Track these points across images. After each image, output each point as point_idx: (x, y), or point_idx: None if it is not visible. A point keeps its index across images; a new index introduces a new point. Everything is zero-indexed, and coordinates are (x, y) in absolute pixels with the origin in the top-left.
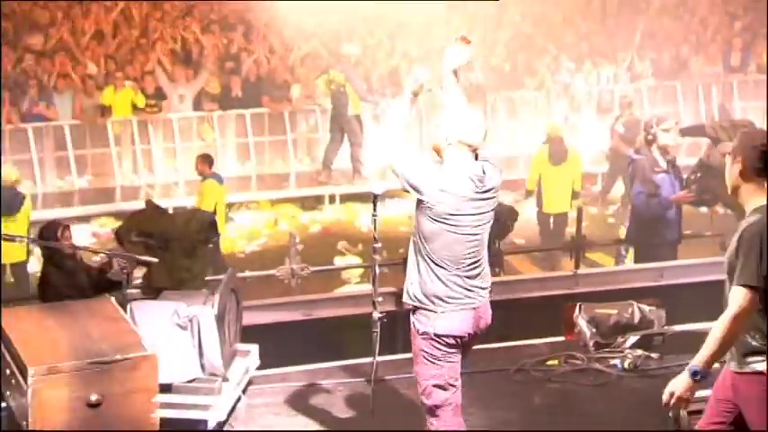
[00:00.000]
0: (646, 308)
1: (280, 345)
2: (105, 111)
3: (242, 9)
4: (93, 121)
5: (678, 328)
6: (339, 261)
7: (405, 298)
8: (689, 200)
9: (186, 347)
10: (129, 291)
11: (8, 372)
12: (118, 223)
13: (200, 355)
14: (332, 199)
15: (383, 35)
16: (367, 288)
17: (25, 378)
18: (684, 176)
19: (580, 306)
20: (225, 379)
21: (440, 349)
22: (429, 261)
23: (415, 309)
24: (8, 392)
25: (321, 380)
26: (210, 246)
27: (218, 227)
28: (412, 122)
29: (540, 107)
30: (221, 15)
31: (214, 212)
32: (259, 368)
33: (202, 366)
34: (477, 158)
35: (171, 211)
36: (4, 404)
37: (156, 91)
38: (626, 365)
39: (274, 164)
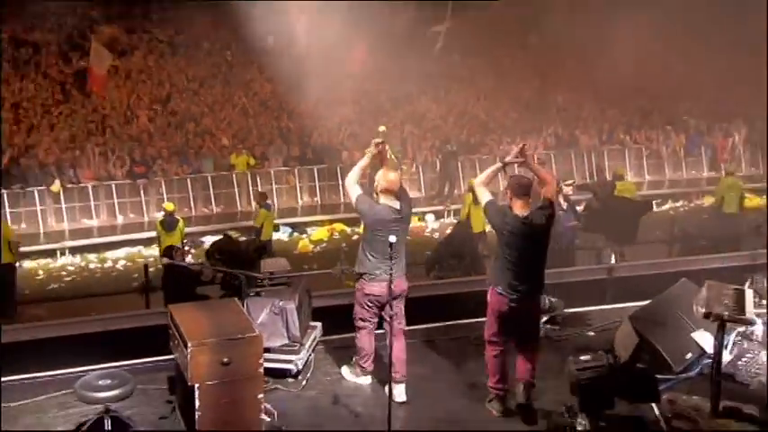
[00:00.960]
0: (553, 299)
1: (337, 321)
2: (231, 167)
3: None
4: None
5: (569, 311)
6: None
7: (357, 268)
8: (578, 228)
9: (279, 326)
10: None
11: (176, 342)
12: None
13: (287, 329)
14: None
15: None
16: None
17: (186, 347)
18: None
19: None
20: (301, 344)
21: (367, 302)
22: (367, 251)
23: (359, 276)
24: (176, 354)
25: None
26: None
27: (267, 234)
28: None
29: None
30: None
31: (262, 237)
32: (323, 336)
33: (289, 337)
34: (397, 197)
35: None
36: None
37: (261, 155)
38: (541, 334)
39: (330, 197)
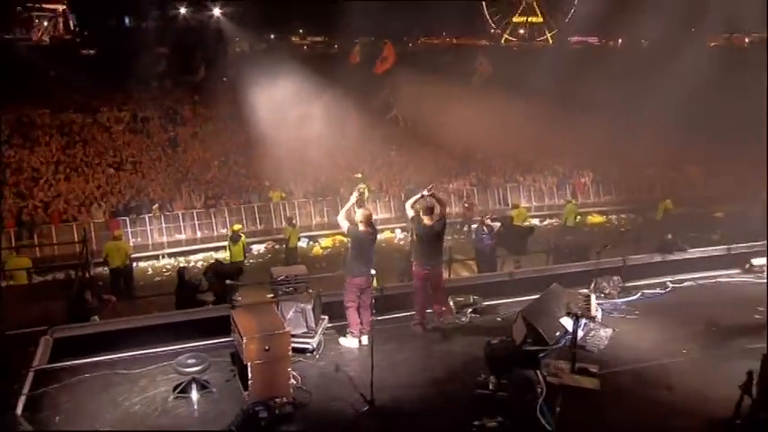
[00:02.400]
0: (475, 296)
1: (337, 312)
2: (269, 199)
3: None
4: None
5: (486, 303)
6: None
7: (344, 270)
8: (494, 245)
9: (301, 320)
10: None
11: (236, 334)
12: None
13: (306, 322)
14: None
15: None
16: None
17: (242, 339)
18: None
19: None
20: (315, 331)
21: (353, 290)
22: (353, 259)
23: (348, 273)
24: (236, 341)
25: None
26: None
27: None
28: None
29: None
30: None
31: (289, 245)
32: (329, 324)
33: (307, 327)
34: (370, 225)
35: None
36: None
37: (289, 191)
38: (466, 319)
39: (332, 218)
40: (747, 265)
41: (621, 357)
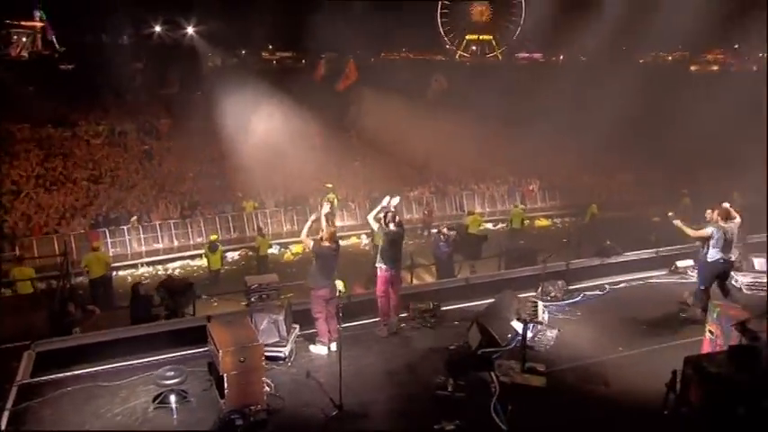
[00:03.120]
0: (435, 302)
1: (307, 320)
2: (242, 209)
3: None
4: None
5: (445, 308)
6: None
7: (310, 282)
8: (451, 252)
9: (273, 330)
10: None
11: (212, 346)
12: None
13: (278, 332)
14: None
15: None
16: None
17: (218, 351)
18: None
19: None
20: (287, 340)
21: (319, 302)
22: (317, 272)
23: (312, 287)
24: (212, 352)
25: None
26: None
27: (264, 251)
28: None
29: None
30: None
31: (259, 254)
32: (300, 332)
33: (279, 336)
34: (333, 241)
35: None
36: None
37: (261, 201)
38: (427, 324)
39: (302, 226)
40: (673, 267)
41: (565, 356)
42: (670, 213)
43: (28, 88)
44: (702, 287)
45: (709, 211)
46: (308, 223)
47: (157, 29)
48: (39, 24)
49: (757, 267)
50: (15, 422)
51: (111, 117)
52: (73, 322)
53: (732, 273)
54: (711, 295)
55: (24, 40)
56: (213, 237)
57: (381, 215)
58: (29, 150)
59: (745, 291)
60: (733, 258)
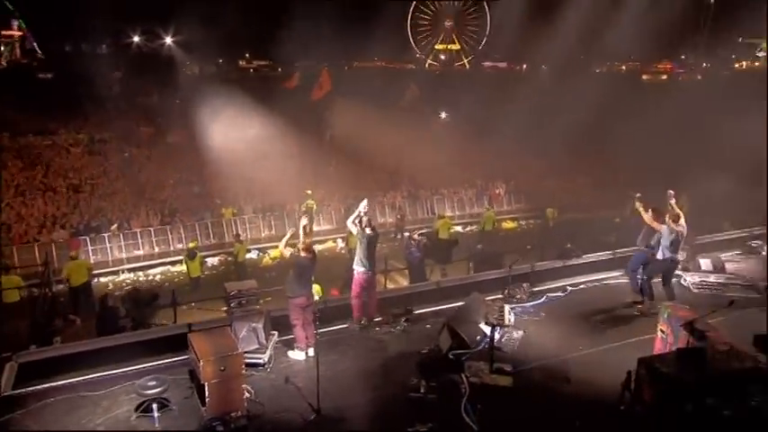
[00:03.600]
0: (409, 307)
1: (285, 326)
2: (221, 216)
3: None
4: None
5: (417, 311)
6: None
7: (288, 291)
8: (422, 257)
9: (253, 338)
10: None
11: (193, 355)
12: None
13: (257, 339)
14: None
15: None
16: None
17: (200, 361)
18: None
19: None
20: (266, 347)
21: (296, 309)
22: (295, 281)
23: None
24: (193, 361)
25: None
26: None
27: (242, 256)
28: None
29: None
30: None
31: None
32: (278, 338)
33: (258, 343)
34: (310, 252)
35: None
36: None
37: (239, 208)
38: (400, 328)
39: (279, 231)
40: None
41: (531, 356)
42: (638, 194)
43: (7, 97)
44: (646, 277)
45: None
46: (287, 235)
47: (136, 39)
48: (17, 33)
49: (704, 268)
50: None
51: (90, 125)
52: (54, 332)
53: (681, 272)
54: (660, 296)
55: (2, 49)
56: (192, 244)
57: (358, 220)
58: (7, 160)
59: (693, 290)
60: (680, 258)
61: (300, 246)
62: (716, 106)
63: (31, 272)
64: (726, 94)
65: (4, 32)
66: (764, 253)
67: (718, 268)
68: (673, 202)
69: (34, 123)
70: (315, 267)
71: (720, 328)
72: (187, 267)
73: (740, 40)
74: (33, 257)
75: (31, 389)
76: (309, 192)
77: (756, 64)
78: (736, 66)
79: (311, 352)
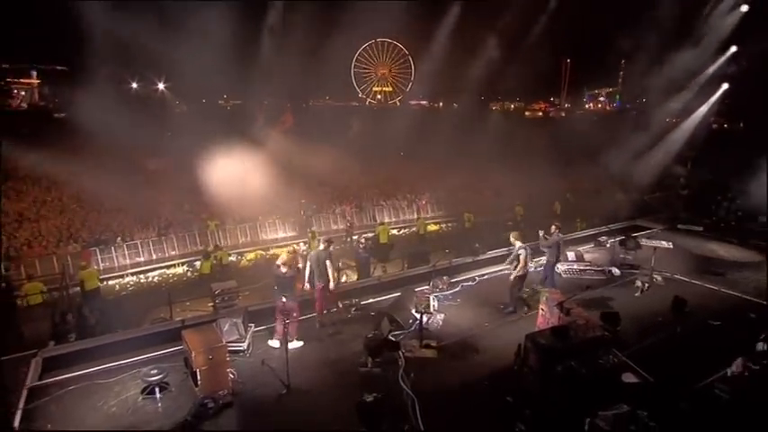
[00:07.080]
0: (356, 298)
1: (262, 319)
2: (207, 227)
3: None
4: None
5: (364, 302)
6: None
7: (274, 295)
8: (367, 256)
9: (234, 330)
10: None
11: (187, 348)
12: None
13: (238, 331)
14: None
15: None
16: None
17: (191, 352)
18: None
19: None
20: (245, 337)
21: (276, 310)
22: (277, 288)
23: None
24: (187, 353)
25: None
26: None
27: (225, 261)
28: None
29: None
30: None
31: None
32: (256, 329)
33: (239, 334)
34: (289, 267)
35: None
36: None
37: (222, 221)
38: (351, 315)
39: (255, 237)
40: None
41: (450, 333)
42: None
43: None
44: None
45: (541, 232)
46: (284, 269)
47: (134, 85)
48: (35, 82)
49: (570, 258)
50: (27, 419)
51: (96, 155)
52: (69, 330)
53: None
54: (542, 283)
55: (23, 93)
56: (209, 248)
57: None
58: (29, 185)
59: (563, 275)
60: (553, 261)
61: (279, 262)
62: (576, 135)
63: (51, 279)
64: (581, 126)
65: (23, 80)
66: (608, 246)
67: (580, 258)
68: (541, 233)
69: (51, 154)
70: (292, 281)
71: (580, 305)
72: (201, 265)
73: (585, 90)
74: (52, 267)
75: (53, 379)
76: (303, 200)
77: (599, 106)
78: (587, 107)
79: (295, 344)
